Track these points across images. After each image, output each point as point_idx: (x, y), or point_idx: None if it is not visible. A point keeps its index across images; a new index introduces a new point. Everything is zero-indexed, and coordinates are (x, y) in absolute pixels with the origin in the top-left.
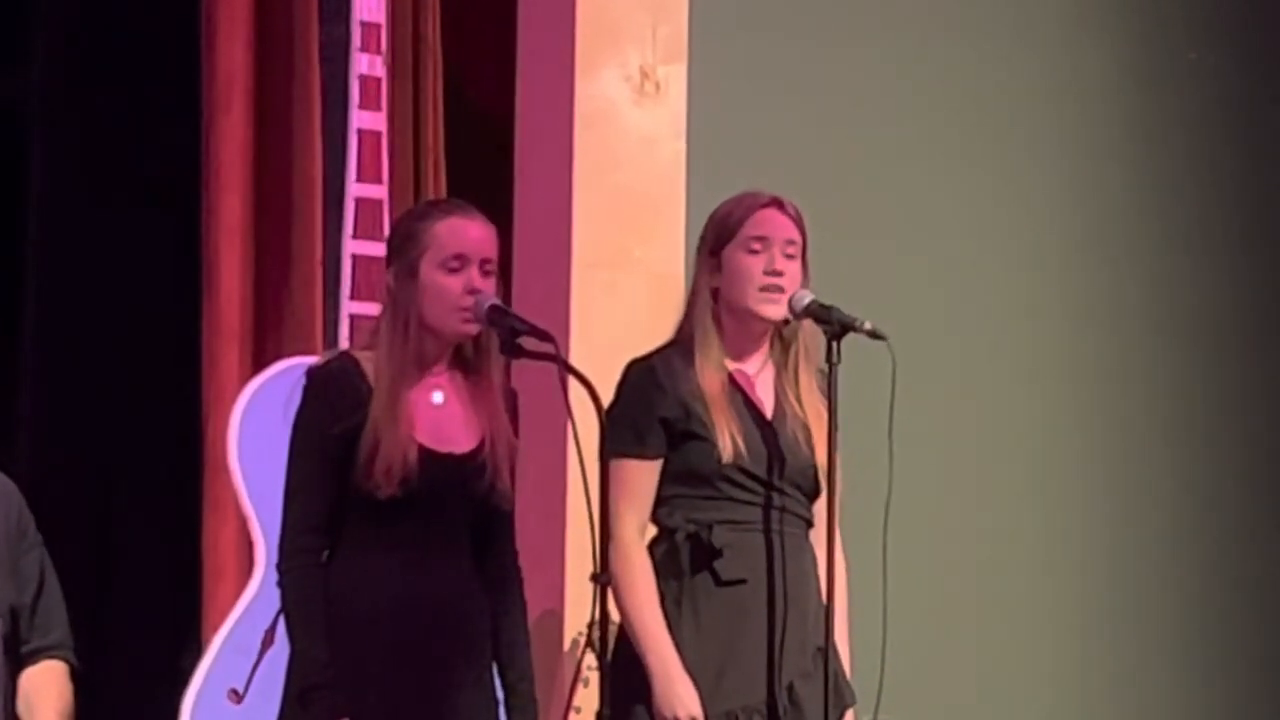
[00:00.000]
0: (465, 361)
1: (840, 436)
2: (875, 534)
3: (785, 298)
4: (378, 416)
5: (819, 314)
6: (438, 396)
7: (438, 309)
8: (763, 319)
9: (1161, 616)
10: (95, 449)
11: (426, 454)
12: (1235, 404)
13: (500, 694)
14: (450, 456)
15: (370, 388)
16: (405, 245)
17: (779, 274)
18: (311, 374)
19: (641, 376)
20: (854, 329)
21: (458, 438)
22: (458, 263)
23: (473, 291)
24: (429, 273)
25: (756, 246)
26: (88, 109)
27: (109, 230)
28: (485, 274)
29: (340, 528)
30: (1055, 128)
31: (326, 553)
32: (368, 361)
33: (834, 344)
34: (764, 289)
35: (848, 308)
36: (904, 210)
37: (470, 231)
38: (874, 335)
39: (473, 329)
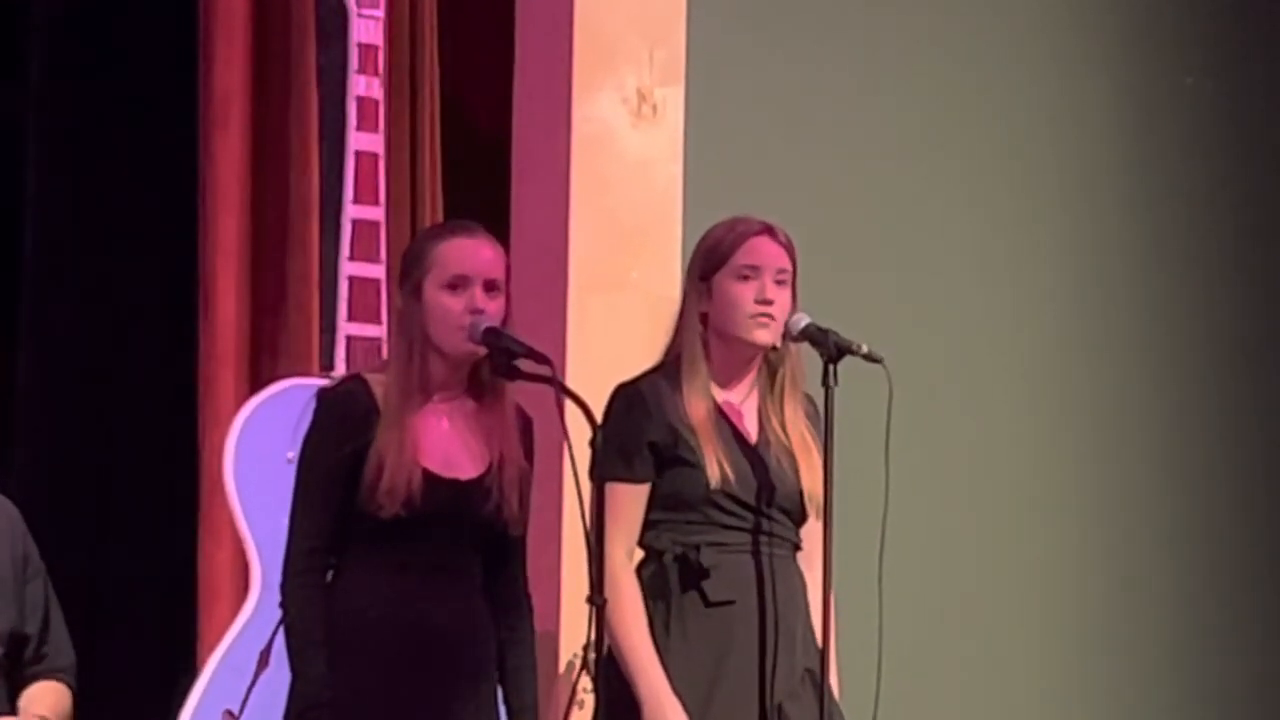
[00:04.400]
0: (480, 385)
1: (835, 459)
2: (870, 557)
3: (775, 325)
4: (383, 439)
5: (816, 337)
6: (446, 422)
7: (441, 329)
8: (754, 345)
9: (1160, 639)
10: (90, 469)
11: (431, 478)
12: (1233, 425)
13: (502, 715)
14: (455, 482)
15: (379, 410)
16: (412, 266)
17: (769, 303)
18: (322, 395)
19: (629, 400)
20: (851, 352)
21: (465, 463)
22: (460, 283)
23: (474, 312)
24: (432, 293)
25: (748, 274)
26: (84, 127)
27: (104, 250)
28: (490, 295)
29: (345, 549)
30: (1053, 151)
31: (330, 573)
32: (378, 384)
33: (830, 367)
34: (754, 317)
35: (844, 331)
36: (900, 234)
37: (473, 251)
38: (870, 358)
39: (478, 349)
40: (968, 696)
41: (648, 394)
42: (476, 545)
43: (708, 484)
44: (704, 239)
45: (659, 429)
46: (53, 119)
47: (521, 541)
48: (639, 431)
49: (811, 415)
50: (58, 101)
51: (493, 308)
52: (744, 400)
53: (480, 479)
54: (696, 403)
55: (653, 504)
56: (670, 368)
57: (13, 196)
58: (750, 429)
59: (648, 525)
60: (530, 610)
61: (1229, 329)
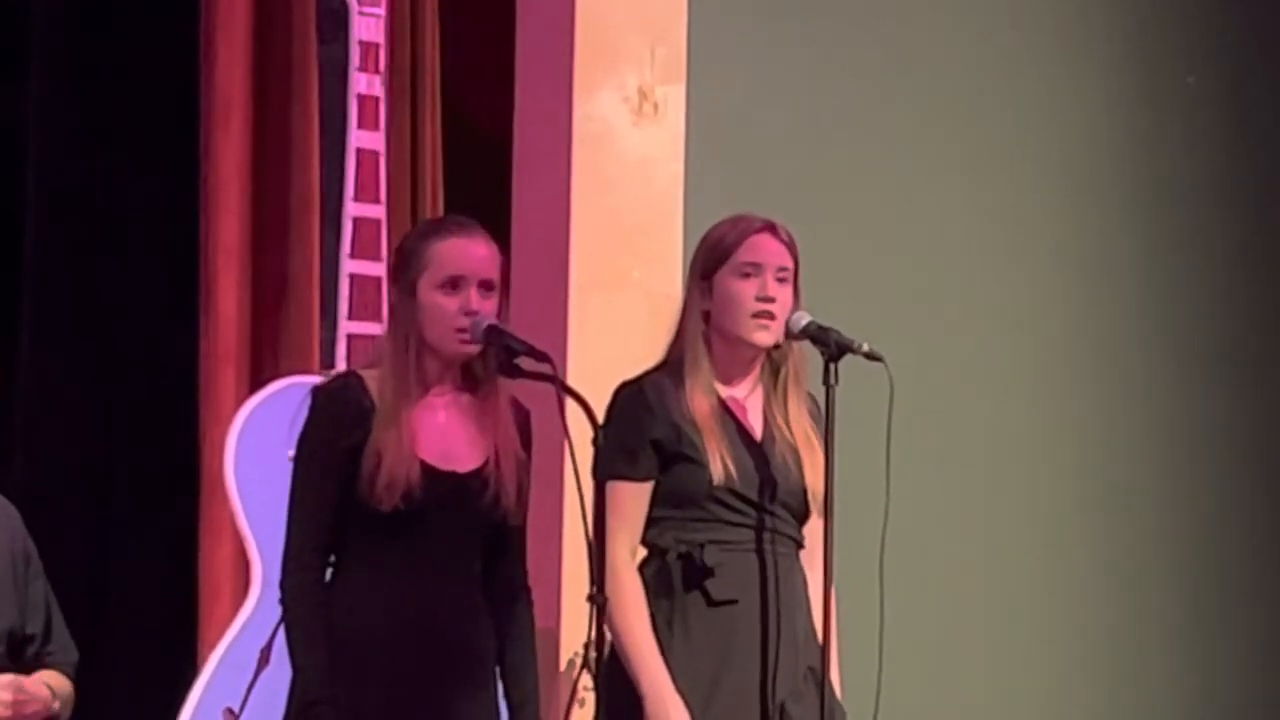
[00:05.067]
0: (475, 379)
1: (836, 458)
2: (872, 556)
3: (776, 324)
4: (380, 434)
5: (817, 335)
6: (442, 415)
7: (436, 329)
8: (754, 345)
9: (1163, 637)
10: (91, 468)
11: (429, 471)
12: (1233, 421)
13: (502, 711)
14: (453, 474)
15: (374, 405)
16: (406, 265)
17: (770, 300)
18: (317, 392)
19: (632, 398)
20: (852, 350)
21: (463, 455)
22: (455, 283)
23: (470, 312)
24: (427, 293)
25: (748, 272)
26: (85, 126)
27: (105, 249)
28: (485, 294)
29: (345, 544)
30: (1054, 150)
31: (330, 569)
32: (372, 380)
33: (831, 366)
34: (755, 315)
35: (845, 329)
36: (901, 231)
37: (469, 251)
38: (871, 357)
39: (472, 349)
40: (969, 694)
41: (650, 392)
42: (476, 537)
43: (711, 480)
44: (706, 237)
45: (662, 426)
46: (54, 118)
47: (521, 532)
48: (642, 429)
49: (814, 413)
50: (59, 101)
51: (488, 308)
52: (748, 396)
53: (478, 471)
54: (700, 399)
55: (656, 501)
56: (673, 365)
57: (14, 196)
58: (754, 424)
59: (651, 523)
60: (530, 601)
61: (1231, 327)
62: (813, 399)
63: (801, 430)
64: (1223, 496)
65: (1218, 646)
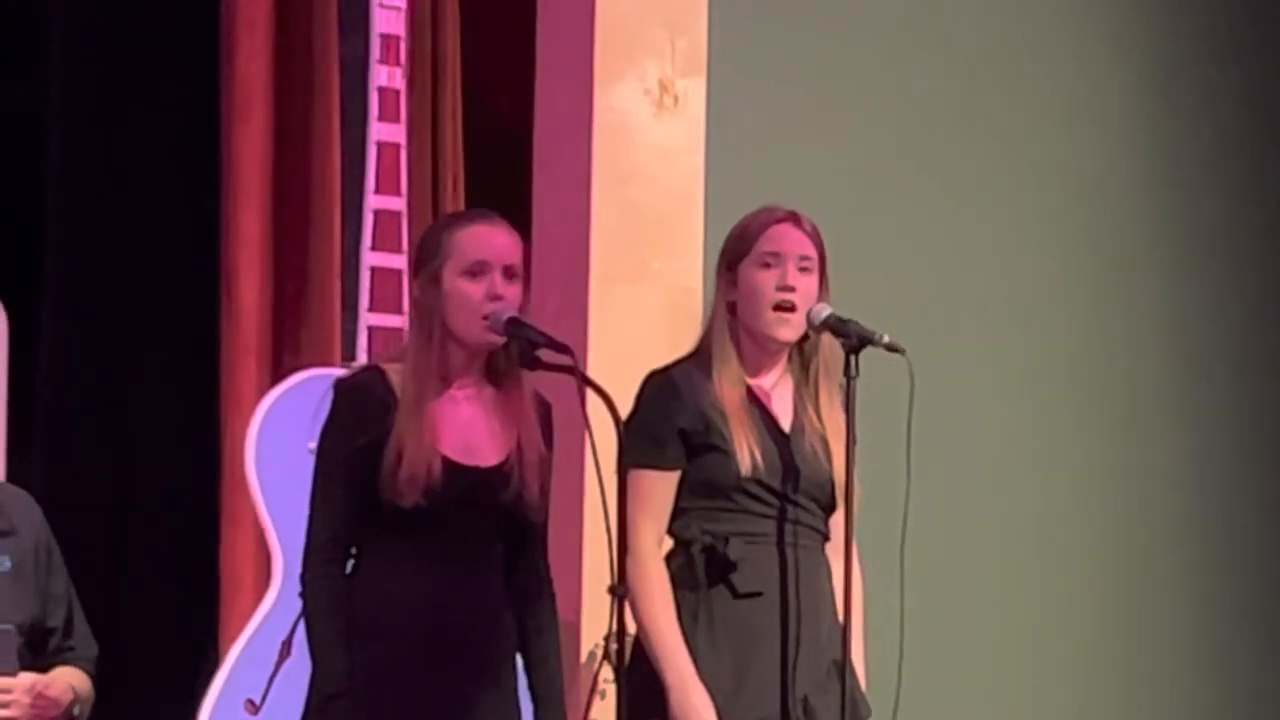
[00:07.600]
0: (497, 373)
1: (858, 450)
2: (893, 547)
3: (797, 316)
4: (402, 428)
5: (837, 327)
6: (465, 409)
7: (461, 317)
8: (775, 340)
9: (1179, 628)
10: (112, 460)
11: (451, 466)
12: (1251, 420)
13: (524, 705)
14: (475, 469)
15: (397, 399)
16: (429, 255)
17: (791, 289)
18: (339, 385)
19: (661, 387)
20: (872, 342)
21: (485, 450)
22: (479, 269)
23: (495, 297)
24: (452, 281)
25: (769, 261)
26: (106, 119)
27: (126, 242)
28: (509, 280)
29: (366, 539)
30: (1074, 144)
31: (351, 563)
32: (395, 373)
33: (852, 357)
34: (776, 307)
35: (866, 321)
36: (921, 223)
37: (492, 238)
38: (892, 349)
39: (496, 339)
40: (990, 684)
41: (679, 380)
42: (497, 533)
43: (738, 471)
44: (732, 229)
45: (690, 416)
46: (75, 112)
47: (543, 528)
48: (670, 417)
49: (844, 405)
50: (78, 95)
51: (511, 293)
52: (774, 385)
53: (500, 466)
54: (728, 389)
55: (682, 492)
56: (702, 356)
57: (33, 189)
58: (782, 414)
59: (676, 514)
60: (553, 597)
61: (1253, 324)
62: (842, 390)
63: (833, 421)
64: (1244, 490)
65: (1235, 634)
